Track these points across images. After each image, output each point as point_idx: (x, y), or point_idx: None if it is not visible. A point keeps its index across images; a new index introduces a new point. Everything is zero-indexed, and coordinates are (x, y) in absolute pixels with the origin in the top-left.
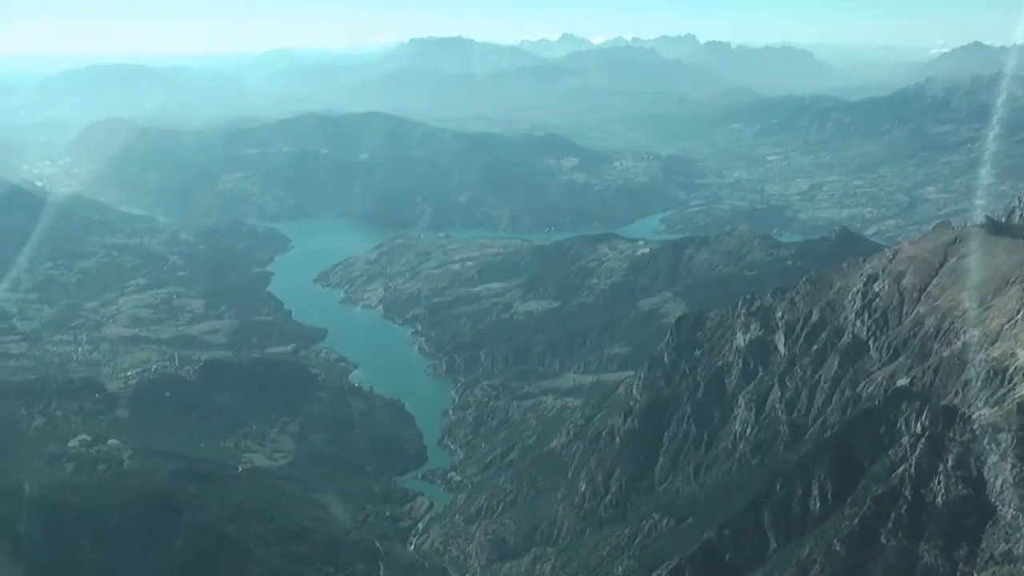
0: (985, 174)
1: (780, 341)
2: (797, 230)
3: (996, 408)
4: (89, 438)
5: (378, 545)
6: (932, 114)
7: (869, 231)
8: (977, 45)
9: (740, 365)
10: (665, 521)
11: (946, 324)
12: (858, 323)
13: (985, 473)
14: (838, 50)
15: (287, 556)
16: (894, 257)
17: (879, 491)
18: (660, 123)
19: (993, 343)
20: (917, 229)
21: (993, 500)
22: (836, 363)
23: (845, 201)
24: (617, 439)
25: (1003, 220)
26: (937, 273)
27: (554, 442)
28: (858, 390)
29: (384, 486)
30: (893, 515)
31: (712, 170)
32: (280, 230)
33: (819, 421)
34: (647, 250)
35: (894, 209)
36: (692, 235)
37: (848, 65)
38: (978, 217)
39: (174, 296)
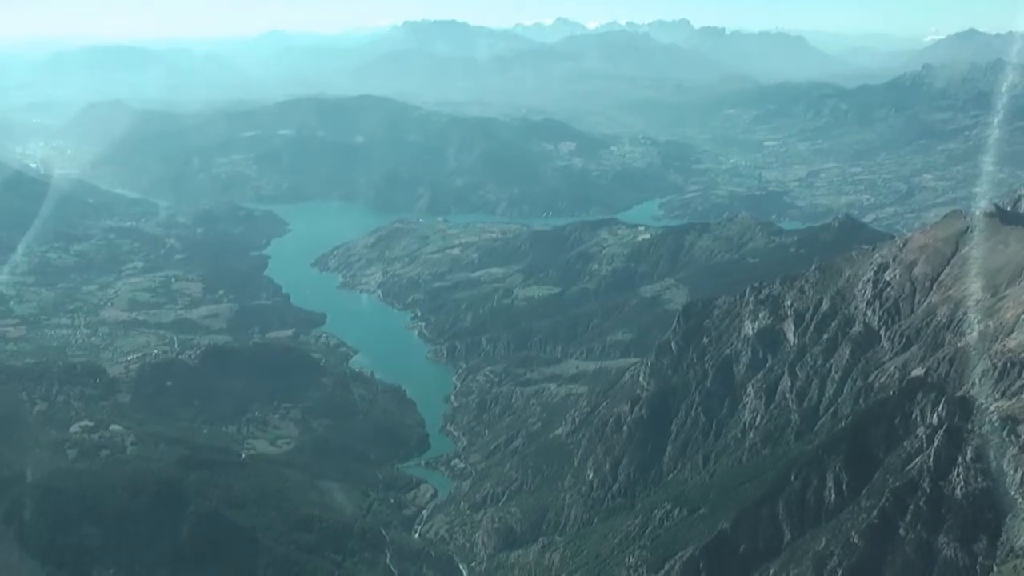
0: (983, 162)
1: (790, 330)
2: (795, 217)
3: (1014, 400)
4: (91, 424)
5: (384, 533)
6: (929, 101)
7: (867, 218)
8: (972, 32)
9: (749, 353)
10: (677, 511)
11: (959, 314)
12: (869, 312)
13: (1004, 465)
14: (832, 37)
15: (294, 545)
16: (904, 246)
17: (897, 483)
18: (656, 108)
19: (1009, 334)
20: (916, 217)
21: (1013, 493)
22: (847, 352)
23: (843, 188)
24: (624, 427)
25: (1009, 209)
26: (949, 262)
27: (559, 430)
28: (870, 380)
29: (387, 473)
30: (912, 507)
31: (709, 156)
32: (277, 213)
33: (831, 411)
34: (647, 236)
35: (892, 197)
36: (692, 221)
37: (843, 52)
38: (985, 206)
39: (172, 280)
